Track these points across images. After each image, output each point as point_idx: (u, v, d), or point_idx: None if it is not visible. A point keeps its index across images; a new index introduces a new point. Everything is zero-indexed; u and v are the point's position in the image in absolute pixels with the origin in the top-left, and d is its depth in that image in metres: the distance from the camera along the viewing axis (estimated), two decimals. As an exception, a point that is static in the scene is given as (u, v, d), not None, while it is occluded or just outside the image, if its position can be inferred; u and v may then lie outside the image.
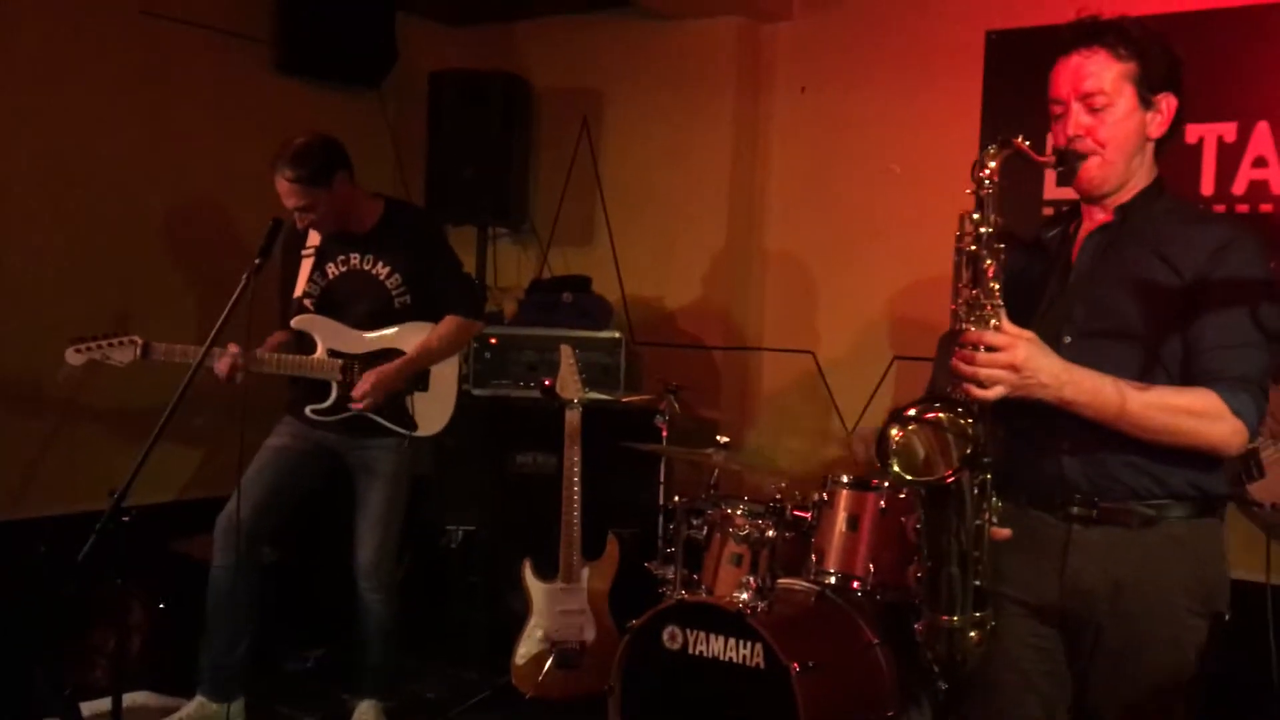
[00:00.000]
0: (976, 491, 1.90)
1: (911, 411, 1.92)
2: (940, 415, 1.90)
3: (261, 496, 3.54)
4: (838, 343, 4.54)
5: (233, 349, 3.36)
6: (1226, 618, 2.05)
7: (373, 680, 3.71)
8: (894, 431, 1.91)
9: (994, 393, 1.86)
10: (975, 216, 1.93)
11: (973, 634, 1.96)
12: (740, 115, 4.70)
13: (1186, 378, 1.96)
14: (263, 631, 3.67)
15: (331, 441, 3.61)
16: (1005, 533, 1.96)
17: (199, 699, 3.58)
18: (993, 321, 1.89)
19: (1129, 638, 2.01)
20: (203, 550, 3.67)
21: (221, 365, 3.37)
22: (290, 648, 4.24)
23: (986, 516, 1.93)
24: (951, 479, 1.88)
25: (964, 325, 1.91)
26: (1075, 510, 2.02)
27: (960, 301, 1.93)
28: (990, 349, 1.86)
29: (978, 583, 1.95)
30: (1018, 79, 3.90)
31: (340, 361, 3.54)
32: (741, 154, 4.71)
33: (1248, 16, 3.61)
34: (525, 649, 3.79)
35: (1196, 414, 1.91)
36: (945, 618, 1.96)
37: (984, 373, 1.85)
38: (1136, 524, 1.99)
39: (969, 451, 1.87)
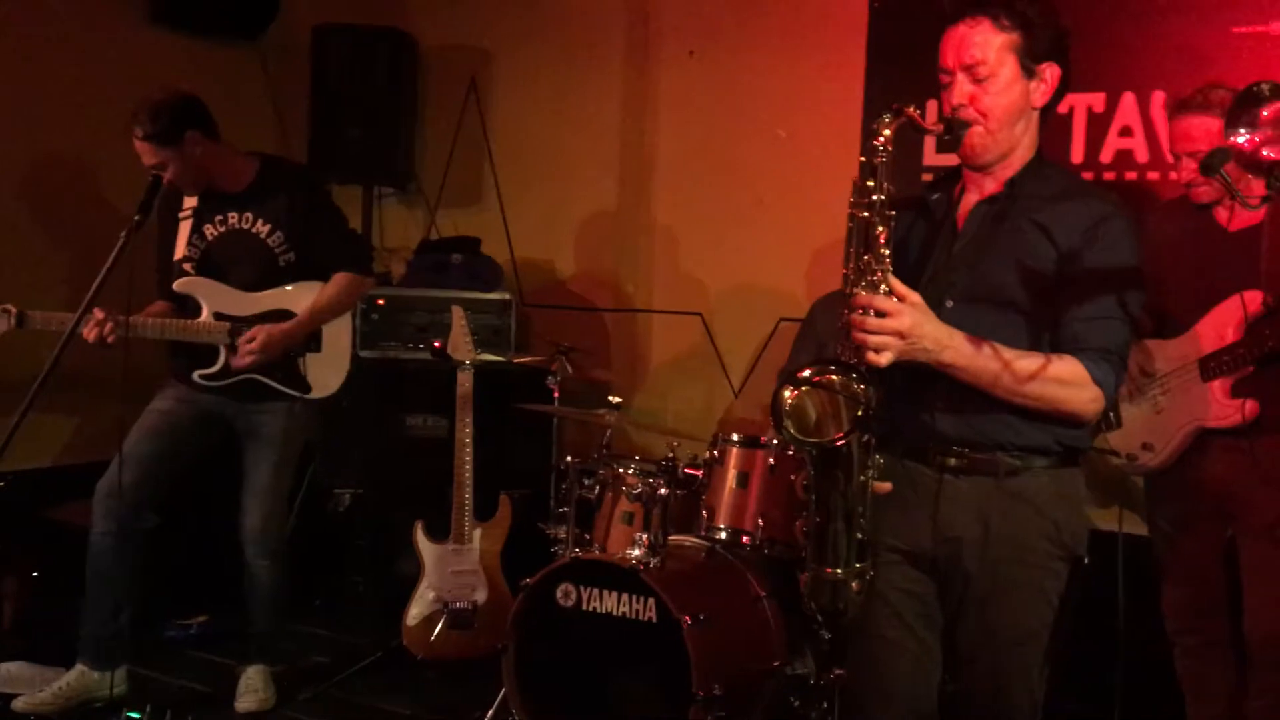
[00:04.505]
0: (862, 450, 1.97)
1: (806, 373, 1.97)
2: (833, 378, 1.96)
3: (144, 462, 3.47)
4: (725, 304, 4.60)
5: (98, 314, 3.27)
6: (1086, 561, 2.17)
7: (260, 645, 3.67)
8: (787, 393, 1.96)
9: (885, 358, 1.93)
10: (869, 184, 1.99)
11: (854, 584, 2.04)
12: (629, 77, 4.70)
13: (1055, 345, 2.06)
14: (146, 598, 3.59)
15: (219, 406, 3.54)
16: (886, 486, 2.04)
17: (79, 668, 3.50)
18: (882, 287, 1.96)
19: (995, 582, 2.11)
20: (80, 516, 3.57)
21: (89, 333, 3.27)
22: (174, 614, 4.17)
23: (870, 473, 2.01)
24: (842, 441, 1.94)
25: (855, 290, 1.97)
26: (946, 461, 2.12)
27: (851, 266, 1.99)
28: (880, 314, 1.93)
29: (860, 536, 2.03)
30: (900, 47, 3.99)
31: (228, 325, 3.47)
32: (631, 116, 4.72)
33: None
34: (417, 610, 3.79)
35: (1061, 381, 2.01)
36: (830, 570, 2.03)
37: (874, 339, 1.92)
38: (1003, 473, 2.09)
39: (859, 414, 1.93)
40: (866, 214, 1.98)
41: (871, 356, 1.93)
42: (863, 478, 1.99)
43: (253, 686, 3.61)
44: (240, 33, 4.80)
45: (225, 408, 3.54)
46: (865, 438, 1.97)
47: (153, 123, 3.31)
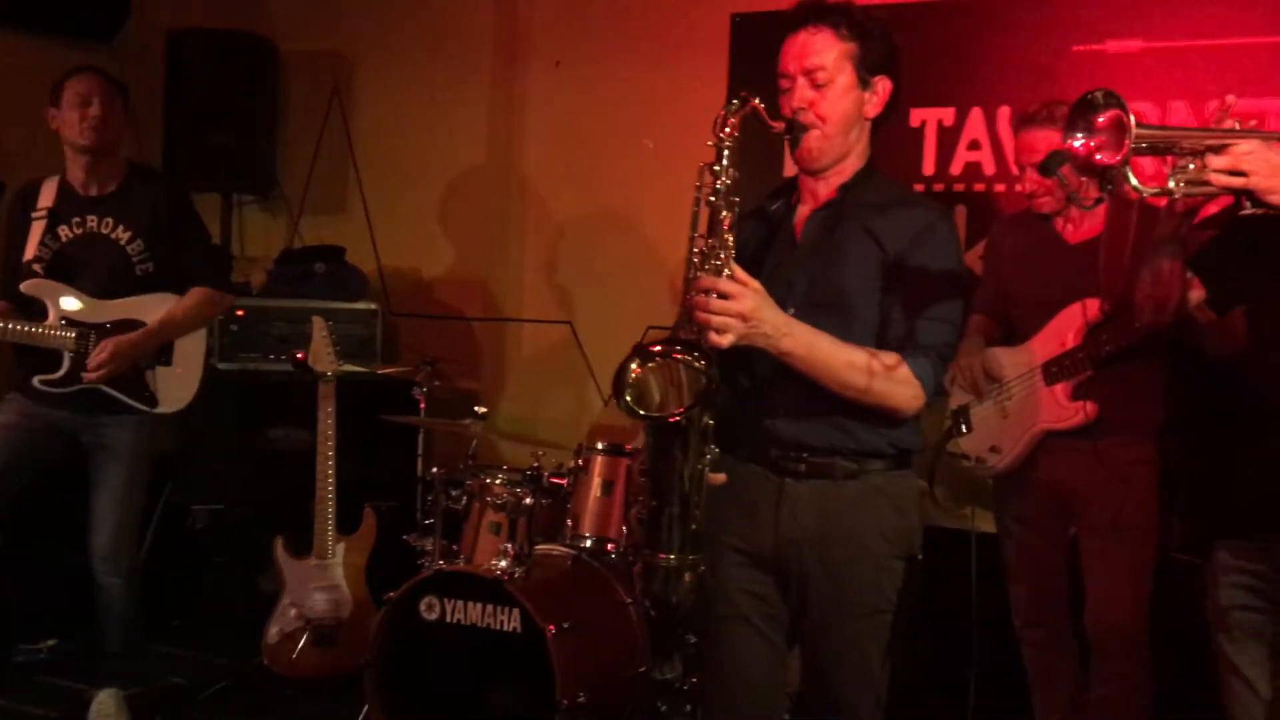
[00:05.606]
0: (699, 435, 1.99)
1: (655, 349, 1.99)
2: (678, 356, 1.98)
3: (-16, 479, 3.32)
4: (594, 313, 4.62)
5: None
6: (920, 559, 2.24)
7: (113, 668, 3.54)
8: (633, 366, 1.98)
9: (727, 339, 1.96)
10: (715, 169, 2.03)
11: (686, 576, 2.03)
12: (496, 86, 4.71)
13: (882, 344, 2.13)
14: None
15: (64, 420, 3.40)
16: (720, 478, 2.05)
17: (-86, 697, 3.34)
18: (725, 271, 2.00)
19: (835, 583, 2.16)
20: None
21: None
22: (22, 638, 3.99)
23: (706, 460, 2.01)
24: (681, 416, 1.96)
25: (698, 273, 2.01)
26: (787, 465, 2.17)
27: (695, 250, 2.03)
28: (722, 296, 1.97)
29: (694, 526, 2.02)
30: (761, 60, 4.01)
31: (75, 331, 3.34)
32: (498, 125, 4.72)
33: (964, 10, 3.90)
34: (278, 628, 3.70)
35: (888, 377, 2.08)
36: (662, 555, 2.01)
37: (717, 320, 1.96)
38: (840, 476, 2.15)
39: (701, 391, 1.95)
40: (712, 198, 2.02)
41: (714, 337, 1.96)
42: (700, 465, 2.00)
43: (105, 711, 3.46)
44: (90, 35, 4.66)
45: (70, 422, 3.41)
46: (703, 422, 1.99)
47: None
